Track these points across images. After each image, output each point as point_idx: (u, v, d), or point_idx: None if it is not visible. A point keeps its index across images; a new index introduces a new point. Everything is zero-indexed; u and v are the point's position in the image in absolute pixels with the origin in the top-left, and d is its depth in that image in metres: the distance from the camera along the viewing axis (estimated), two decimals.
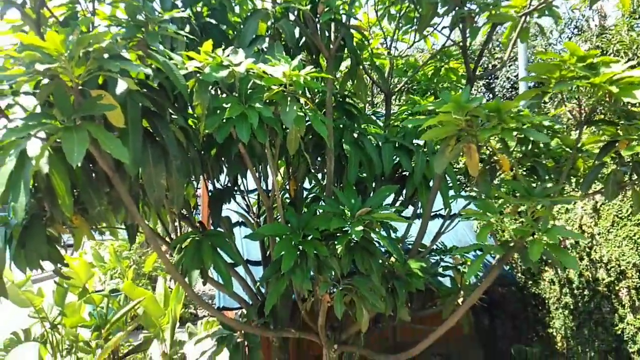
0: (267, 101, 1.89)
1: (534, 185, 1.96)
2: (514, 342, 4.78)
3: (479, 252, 4.22)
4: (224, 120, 1.85)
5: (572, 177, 2.85)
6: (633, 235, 3.79)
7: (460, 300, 3.10)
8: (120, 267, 6.74)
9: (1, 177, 1.46)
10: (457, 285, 3.24)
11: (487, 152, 3.08)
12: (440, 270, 3.34)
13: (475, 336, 4.87)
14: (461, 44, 2.50)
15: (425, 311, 3.17)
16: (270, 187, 2.92)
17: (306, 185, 3.11)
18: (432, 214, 3.30)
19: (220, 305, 3.76)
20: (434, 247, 3.72)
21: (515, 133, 1.77)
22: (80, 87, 1.42)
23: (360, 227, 1.98)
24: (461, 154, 1.80)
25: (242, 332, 2.66)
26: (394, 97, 3.48)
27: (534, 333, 4.81)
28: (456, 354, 5.10)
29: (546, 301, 4.67)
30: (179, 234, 2.59)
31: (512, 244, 1.86)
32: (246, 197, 3.19)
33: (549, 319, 4.64)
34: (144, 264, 7.46)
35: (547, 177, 2.43)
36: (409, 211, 4.17)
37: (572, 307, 4.38)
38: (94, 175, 1.83)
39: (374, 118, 3.23)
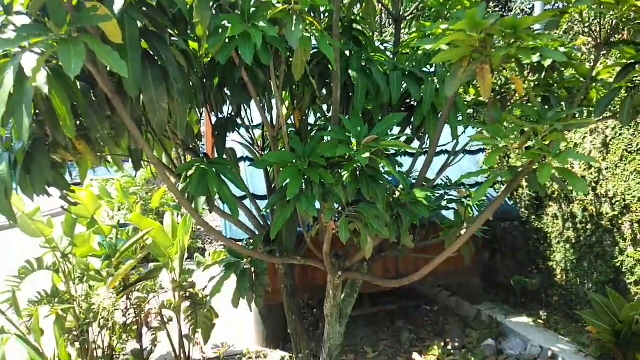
0: (271, 20, 1.80)
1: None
2: (514, 274, 4.91)
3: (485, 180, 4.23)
4: (227, 41, 1.77)
5: (584, 108, 2.78)
6: None
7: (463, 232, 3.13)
8: (127, 203, 6.83)
9: (1, 97, 1.42)
10: (461, 218, 3.25)
11: (500, 81, 2.99)
12: (444, 203, 3.35)
13: (475, 269, 4.99)
14: None
15: (428, 242, 3.21)
16: (274, 119, 2.87)
17: (310, 121, 3.05)
18: (438, 149, 3.27)
19: (227, 237, 3.84)
20: (439, 181, 3.73)
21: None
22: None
23: (367, 154, 1.95)
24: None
25: (249, 259, 2.72)
26: (403, 24, 3.32)
27: (534, 266, 4.93)
28: (456, 286, 5.27)
29: (548, 235, 4.74)
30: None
31: (520, 169, 1.83)
32: (250, 131, 3.15)
33: (549, 253, 4.73)
34: (151, 200, 7.57)
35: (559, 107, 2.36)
36: (415, 146, 4.14)
37: (573, 241, 4.45)
38: (94, 99, 1.79)
39: (382, 48, 3.11)
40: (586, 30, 1.90)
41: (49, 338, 3.44)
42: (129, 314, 3.75)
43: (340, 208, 2.19)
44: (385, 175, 2.34)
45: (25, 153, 1.90)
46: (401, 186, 2.47)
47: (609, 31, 1.94)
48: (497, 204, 2.08)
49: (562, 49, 2.70)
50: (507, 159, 4.78)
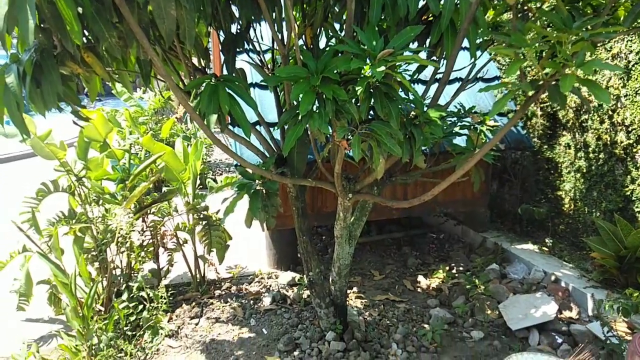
0: None
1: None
2: (522, 204, 4.94)
3: (512, 107, 4.17)
4: None
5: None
6: None
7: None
8: (137, 132, 6.83)
9: None
10: (473, 145, 3.22)
11: None
12: (457, 129, 3.30)
13: (483, 198, 5.02)
14: None
15: (438, 167, 3.20)
16: (284, 39, 2.77)
17: (321, 44, 2.95)
18: (451, 77, 3.15)
19: (236, 163, 3.86)
20: (452, 108, 3.66)
21: None
22: None
23: (383, 68, 1.88)
24: None
25: (262, 180, 2.74)
26: None
27: (543, 196, 4.95)
28: (463, 215, 5.34)
29: (559, 165, 4.71)
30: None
31: (541, 82, 1.77)
32: (260, 54, 3.06)
33: (559, 182, 4.73)
34: (160, 131, 7.57)
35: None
36: (428, 74, 4.02)
37: (584, 170, 4.42)
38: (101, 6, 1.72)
39: None
40: None
41: (68, 257, 3.59)
42: (145, 236, 3.87)
43: (352, 126, 2.15)
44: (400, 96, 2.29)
45: (34, 65, 1.86)
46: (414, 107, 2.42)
47: None
48: (515, 120, 2.04)
49: None
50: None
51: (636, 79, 3.84)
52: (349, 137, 2.19)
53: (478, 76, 3.52)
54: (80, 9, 1.67)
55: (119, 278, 3.75)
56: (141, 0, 1.55)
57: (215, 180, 8.41)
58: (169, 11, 1.68)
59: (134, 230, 3.65)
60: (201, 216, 3.75)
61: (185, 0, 1.72)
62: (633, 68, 3.87)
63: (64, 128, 7.02)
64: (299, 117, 2.07)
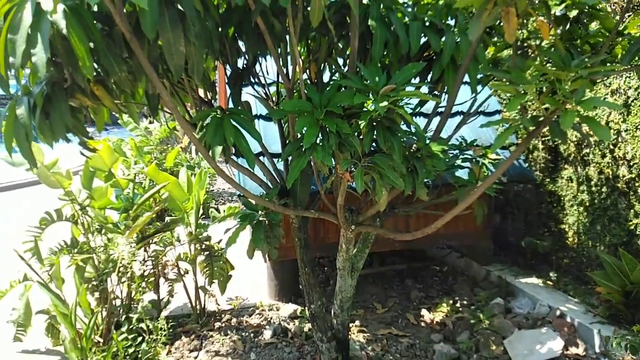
0: None
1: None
2: (525, 236, 4.92)
3: (514, 140, 4.22)
4: None
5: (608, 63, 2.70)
6: None
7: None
8: (142, 162, 6.90)
9: (21, 33, 1.42)
10: (475, 177, 3.24)
11: (522, 35, 2.91)
12: (459, 162, 3.32)
13: (486, 231, 5.00)
14: None
15: (442, 199, 3.21)
16: (289, 73, 2.84)
17: (325, 77, 3.02)
18: (452, 111, 3.20)
19: (239, 193, 3.88)
20: (454, 141, 3.70)
21: None
22: None
23: (385, 103, 1.93)
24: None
25: (264, 211, 2.75)
26: None
27: (546, 229, 4.92)
28: (466, 247, 5.30)
29: (562, 198, 4.71)
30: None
31: (541, 119, 1.80)
32: (266, 87, 3.13)
33: (562, 215, 4.71)
34: (165, 160, 7.64)
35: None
36: (431, 104, 4.08)
37: (587, 203, 4.42)
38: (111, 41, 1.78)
39: None
40: None
41: (69, 287, 3.57)
42: (146, 266, 3.85)
43: (355, 159, 2.18)
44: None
45: (44, 97, 1.91)
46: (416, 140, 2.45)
47: None
48: (517, 154, 2.06)
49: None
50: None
51: (636, 114, 3.88)
52: (352, 169, 2.21)
53: (479, 110, 3.58)
54: (91, 44, 1.73)
55: (118, 309, 3.71)
56: (151, 36, 1.60)
57: (218, 210, 8.42)
58: (178, 47, 1.73)
59: (135, 260, 3.63)
60: (203, 247, 3.74)
61: (194, 37, 1.78)
62: (632, 103, 3.92)
63: (70, 156, 7.11)
64: (303, 150, 2.09)
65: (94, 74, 1.99)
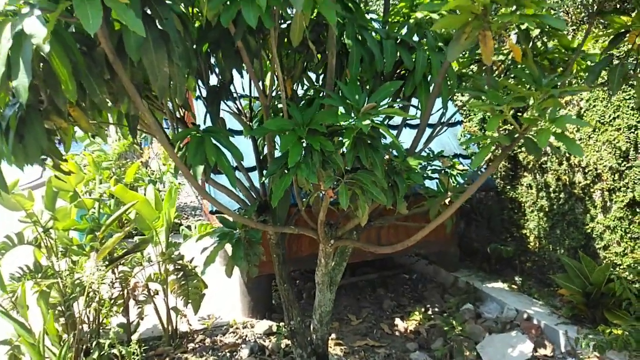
0: None
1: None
2: (490, 243, 5.10)
3: (476, 150, 4.36)
4: (229, 3, 1.74)
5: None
6: (613, 139, 3.93)
7: (447, 201, 3.23)
8: (101, 177, 6.65)
9: (0, 56, 1.37)
10: (444, 188, 3.35)
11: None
12: (429, 173, 3.42)
13: (453, 238, 5.16)
14: None
15: (411, 211, 3.29)
16: (263, 89, 2.84)
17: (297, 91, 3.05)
18: (417, 122, 3.32)
19: (213, 209, 3.83)
20: (422, 153, 3.81)
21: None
22: None
23: (368, 122, 1.97)
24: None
25: (244, 228, 2.73)
26: None
27: (508, 234, 5.14)
28: (434, 254, 5.44)
29: (522, 204, 4.93)
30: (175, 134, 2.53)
31: (516, 135, 1.90)
32: (237, 102, 3.12)
33: (523, 221, 4.93)
34: (125, 175, 7.40)
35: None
36: (397, 120, 4.18)
37: (547, 209, 4.65)
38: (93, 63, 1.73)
39: (368, 16, 3.10)
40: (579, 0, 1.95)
41: (32, 314, 3.38)
42: (114, 288, 3.71)
43: (338, 175, 2.21)
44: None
45: (18, 119, 1.83)
46: (395, 153, 2.52)
47: (601, 1, 2.01)
48: (493, 168, 2.16)
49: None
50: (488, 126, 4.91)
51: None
52: (335, 186, 2.24)
53: (442, 121, 3.71)
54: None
55: (86, 334, 3.55)
56: (136, 58, 1.57)
57: (180, 224, 8.22)
58: (162, 68, 1.71)
59: (104, 283, 3.49)
60: (177, 266, 3.65)
61: (177, 57, 1.76)
62: (584, 114, 4.18)
63: (16, 170, 6.76)
64: (287, 168, 2.10)
65: None
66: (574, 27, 4.44)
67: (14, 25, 1.38)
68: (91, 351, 3.35)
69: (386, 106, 2.20)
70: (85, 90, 1.73)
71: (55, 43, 1.48)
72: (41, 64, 1.60)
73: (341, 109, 2.09)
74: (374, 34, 2.52)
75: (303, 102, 2.96)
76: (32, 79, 1.66)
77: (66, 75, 1.51)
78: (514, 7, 1.66)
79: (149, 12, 1.74)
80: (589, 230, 4.22)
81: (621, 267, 3.94)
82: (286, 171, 2.12)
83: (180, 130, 2.63)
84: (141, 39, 1.59)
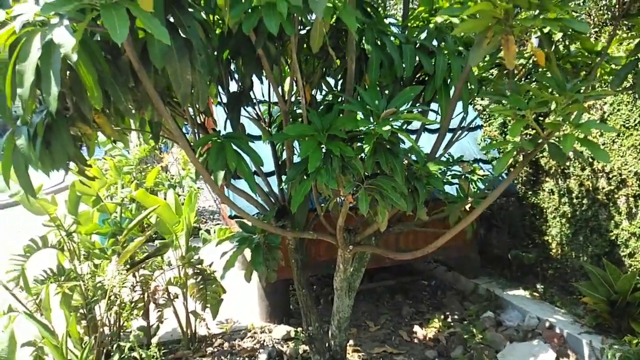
0: None
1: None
2: (510, 249, 5.02)
3: (496, 155, 4.30)
4: (250, 10, 1.76)
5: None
6: (638, 144, 3.84)
7: (467, 207, 3.19)
8: (122, 182, 6.76)
9: (29, 65, 1.40)
10: (464, 194, 3.31)
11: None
12: (448, 179, 3.39)
13: (473, 244, 5.09)
14: None
15: (431, 217, 3.26)
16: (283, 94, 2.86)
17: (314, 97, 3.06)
18: (437, 127, 3.30)
19: (231, 214, 3.85)
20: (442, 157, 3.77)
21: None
22: None
23: (388, 127, 1.97)
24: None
25: (263, 233, 2.74)
26: None
27: (530, 240, 5.04)
28: (454, 260, 5.37)
29: (544, 210, 4.84)
30: (196, 140, 2.57)
31: (540, 141, 1.87)
32: (256, 107, 3.14)
33: (545, 227, 4.84)
34: (145, 180, 7.51)
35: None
36: (416, 124, 4.16)
37: (569, 215, 4.55)
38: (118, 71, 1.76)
39: (387, 21, 3.10)
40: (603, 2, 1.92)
41: (55, 316, 3.45)
42: (135, 291, 3.76)
43: (357, 181, 2.21)
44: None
45: (45, 126, 1.87)
46: (414, 158, 2.50)
47: (626, 3, 1.97)
48: (515, 174, 2.13)
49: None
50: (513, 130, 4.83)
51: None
52: (354, 191, 2.24)
53: (462, 126, 3.67)
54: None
55: (107, 337, 3.60)
56: (160, 66, 1.60)
57: (198, 229, 8.30)
58: (185, 76, 1.73)
59: (124, 287, 3.55)
60: (196, 270, 3.68)
61: (199, 65, 1.78)
62: (608, 118, 4.10)
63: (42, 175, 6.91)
64: (307, 173, 2.11)
65: None
66: (597, 30, 4.36)
67: (43, 35, 1.41)
68: (112, 354, 3.40)
69: (406, 111, 2.20)
70: (110, 97, 1.77)
71: (83, 52, 1.52)
72: (68, 72, 1.64)
73: (361, 115, 2.09)
74: (393, 38, 2.52)
75: (322, 107, 2.99)
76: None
77: (92, 83, 1.54)
78: (537, 11, 1.64)
79: (172, 20, 1.78)
80: (613, 237, 4.12)
81: None
82: (306, 177, 2.13)
83: (201, 135, 2.67)
84: (165, 47, 1.62)
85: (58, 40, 1.34)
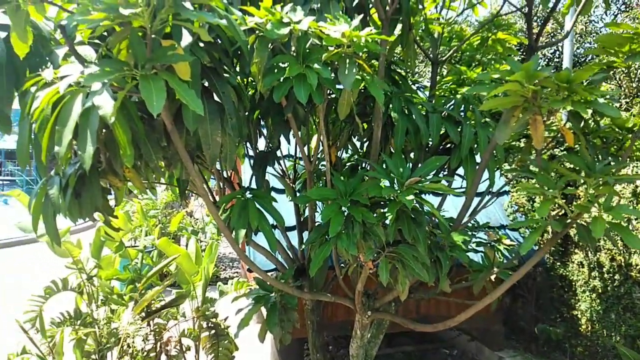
0: (325, 62, 1.85)
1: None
2: (537, 322, 4.79)
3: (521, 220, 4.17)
4: (282, 80, 1.82)
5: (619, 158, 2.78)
6: None
7: (492, 277, 3.09)
8: (147, 226, 6.87)
9: (69, 125, 1.47)
10: (490, 263, 3.21)
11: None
12: (473, 246, 3.31)
13: (497, 315, 4.88)
14: (525, 9, 2.39)
15: (454, 286, 3.16)
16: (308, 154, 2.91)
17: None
18: (463, 190, 3.27)
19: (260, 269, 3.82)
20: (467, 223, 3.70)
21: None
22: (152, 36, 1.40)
23: (412, 196, 1.95)
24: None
25: (280, 293, 2.70)
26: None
27: (558, 314, 4.80)
28: (476, 330, 5.14)
29: (573, 283, 4.64)
30: (221, 195, 2.61)
31: (568, 221, 1.82)
32: (282, 163, 3.19)
33: (574, 301, 4.62)
34: (169, 224, 7.61)
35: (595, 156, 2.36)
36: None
37: (600, 290, 4.34)
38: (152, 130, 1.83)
39: (414, 88, 3.16)
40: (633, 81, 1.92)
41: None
42: (148, 341, 3.71)
43: (378, 248, 2.18)
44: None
45: (77, 178, 1.94)
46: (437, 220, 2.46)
47: None
48: (546, 250, 2.06)
49: (601, 100, 2.73)
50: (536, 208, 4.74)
51: None
52: (375, 258, 2.20)
53: (490, 191, 3.62)
54: None
55: None
56: (192, 129, 1.66)
57: (218, 277, 8.26)
58: (214, 138, 1.78)
59: (138, 335, 3.51)
60: (210, 324, 3.63)
61: (230, 128, 1.84)
62: None
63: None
64: (328, 237, 2.10)
65: None
66: (628, 101, 4.34)
67: (84, 97, 1.49)
68: None
69: (430, 181, 2.19)
70: (141, 153, 1.83)
71: (120, 114, 1.59)
72: (103, 130, 1.71)
73: (385, 182, 2.09)
74: (419, 106, 2.56)
75: (346, 167, 3.01)
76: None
77: (126, 142, 1.60)
78: (566, 94, 1.65)
79: (206, 84, 1.86)
80: None
81: None
82: (326, 239, 2.11)
83: (226, 189, 2.71)
84: (201, 112, 1.68)
85: (98, 102, 1.41)
